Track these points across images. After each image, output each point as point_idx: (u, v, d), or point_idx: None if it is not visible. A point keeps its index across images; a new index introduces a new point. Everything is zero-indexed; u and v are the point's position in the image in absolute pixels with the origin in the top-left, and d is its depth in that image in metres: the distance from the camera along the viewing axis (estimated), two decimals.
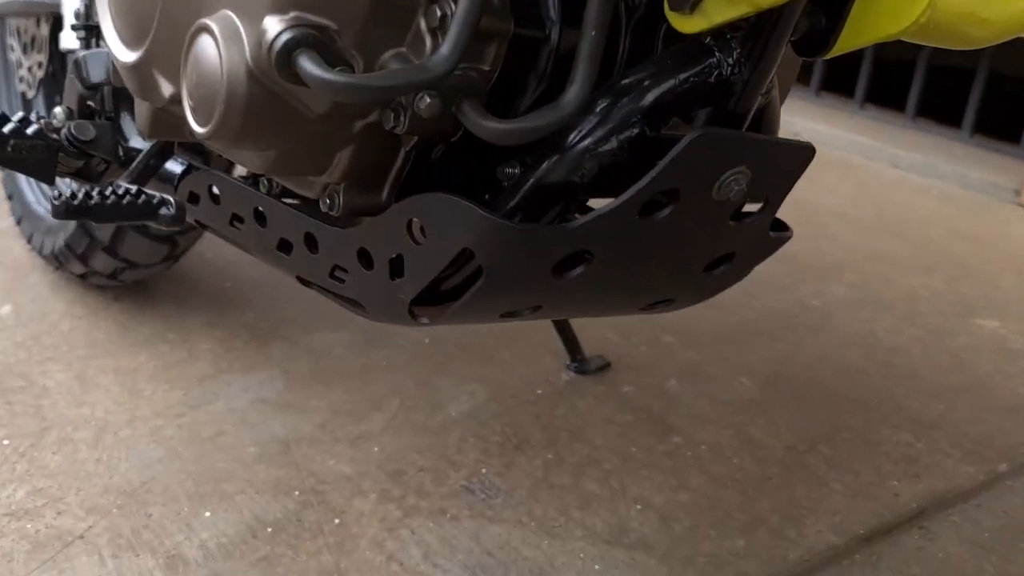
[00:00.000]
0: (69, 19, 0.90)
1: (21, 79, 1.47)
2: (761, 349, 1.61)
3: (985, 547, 1.13)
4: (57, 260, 1.42)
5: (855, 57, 3.52)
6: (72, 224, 1.32)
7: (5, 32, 1.54)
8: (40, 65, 1.39)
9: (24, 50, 1.45)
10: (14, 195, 1.55)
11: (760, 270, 2.02)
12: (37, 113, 0.80)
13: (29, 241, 1.52)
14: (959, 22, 0.60)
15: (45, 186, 1.51)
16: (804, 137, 2.90)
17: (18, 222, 1.55)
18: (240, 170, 0.86)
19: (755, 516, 1.14)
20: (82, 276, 1.43)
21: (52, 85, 1.46)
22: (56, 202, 0.64)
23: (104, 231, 1.27)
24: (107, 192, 0.65)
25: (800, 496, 1.20)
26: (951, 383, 1.57)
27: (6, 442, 1.12)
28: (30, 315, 1.42)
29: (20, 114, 0.74)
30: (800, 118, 3.37)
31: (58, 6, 1.00)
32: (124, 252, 1.31)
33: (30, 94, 1.46)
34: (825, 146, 3.40)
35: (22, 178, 1.53)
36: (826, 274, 2.02)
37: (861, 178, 3.03)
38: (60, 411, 1.19)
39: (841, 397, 1.47)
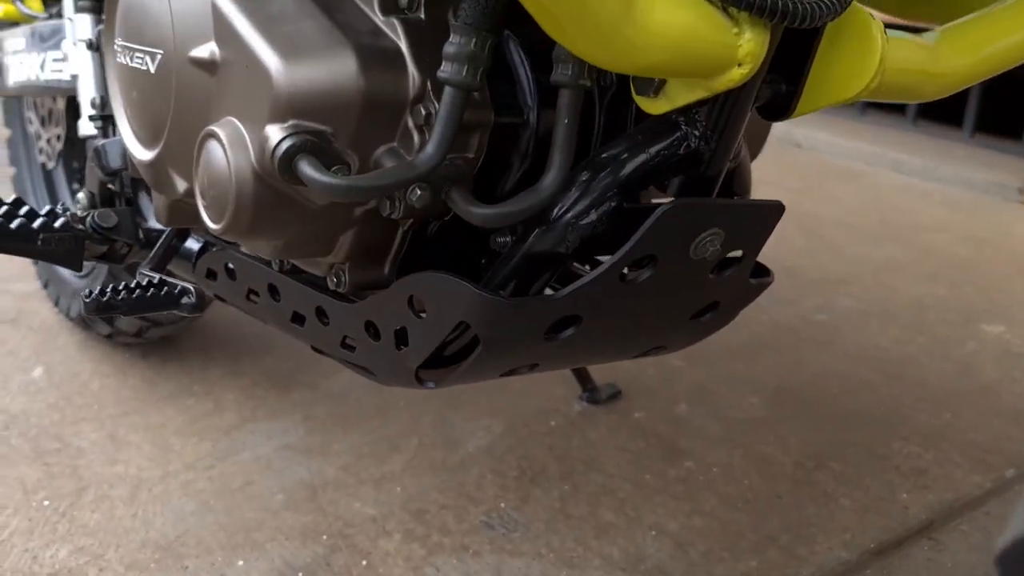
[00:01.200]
0: (86, 108, 0.96)
1: (41, 151, 1.54)
2: (768, 365, 1.64)
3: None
4: (84, 322, 1.48)
5: None
6: (97, 288, 1.38)
7: (23, 106, 1.61)
8: (59, 138, 1.46)
9: (42, 123, 1.51)
10: (40, 261, 1.62)
11: None
12: (62, 205, 0.86)
13: (56, 304, 1.58)
14: (910, 81, 0.64)
15: None
16: (805, 146, 2.94)
17: (45, 286, 1.61)
18: None
19: (766, 536, 1.18)
20: (108, 336, 1.48)
21: (71, 154, 1.53)
22: (87, 301, 0.69)
23: None
24: (132, 287, 0.71)
25: (810, 514, 1.23)
26: (958, 391, 1.60)
27: (46, 503, 1.17)
28: (61, 377, 1.48)
29: (47, 207, 0.80)
30: (801, 127, 3.41)
31: (74, 90, 1.06)
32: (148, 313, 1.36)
33: (50, 165, 1.53)
34: (827, 154, 3.44)
35: None
36: (831, 287, 2.06)
37: (863, 185, 3.06)
38: (96, 470, 1.24)
39: (849, 411, 1.51)
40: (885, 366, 1.68)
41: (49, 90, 1.15)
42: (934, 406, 1.54)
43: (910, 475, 1.34)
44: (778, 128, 3.33)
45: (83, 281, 1.51)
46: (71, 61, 1.00)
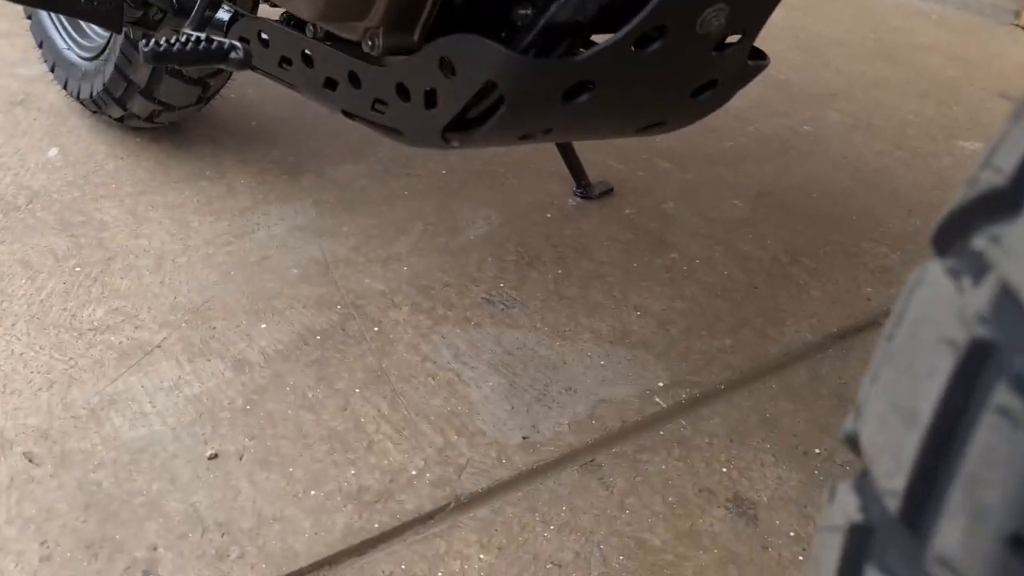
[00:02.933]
0: None
1: None
2: (753, 171, 1.72)
3: None
4: (95, 104, 1.52)
5: None
6: (109, 69, 1.41)
7: None
8: None
9: None
10: (44, 42, 1.63)
11: (755, 97, 2.12)
12: None
13: (65, 87, 1.60)
14: None
15: (75, 32, 1.58)
16: None
17: (52, 69, 1.63)
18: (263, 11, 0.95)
19: (741, 319, 1.30)
20: (120, 119, 1.53)
21: None
22: (146, 49, 0.74)
23: (140, 75, 1.36)
24: (184, 39, 0.76)
25: (782, 302, 1.35)
26: (929, 200, 1.69)
27: (78, 269, 1.26)
28: (76, 156, 1.53)
29: None
30: None
31: None
32: (160, 95, 1.41)
33: None
34: None
35: (51, 25, 1.60)
36: (821, 101, 2.11)
37: (862, 3, 3.04)
38: (121, 242, 1.32)
39: (826, 215, 1.60)
40: (865, 175, 1.76)
41: None
42: (905, 213, 1.63)
43: (876, 272, 1.45)
44: None
45: (90, 64, 1.53)
46: None
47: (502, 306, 1.27)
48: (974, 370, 0.30)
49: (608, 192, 1.57)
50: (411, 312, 1.23)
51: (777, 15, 2.82)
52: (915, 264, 1.50)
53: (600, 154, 1.67)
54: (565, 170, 1.55)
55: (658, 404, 1.12)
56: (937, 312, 0.33)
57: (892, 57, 2.50)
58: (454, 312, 1.24)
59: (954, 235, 0.36)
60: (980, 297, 0.32)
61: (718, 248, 1.46)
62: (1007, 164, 0.33)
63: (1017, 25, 2.85)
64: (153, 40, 0.74)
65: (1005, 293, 0.31)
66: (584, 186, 1.54)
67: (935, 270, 0.35)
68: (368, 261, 1.33)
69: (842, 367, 1.23)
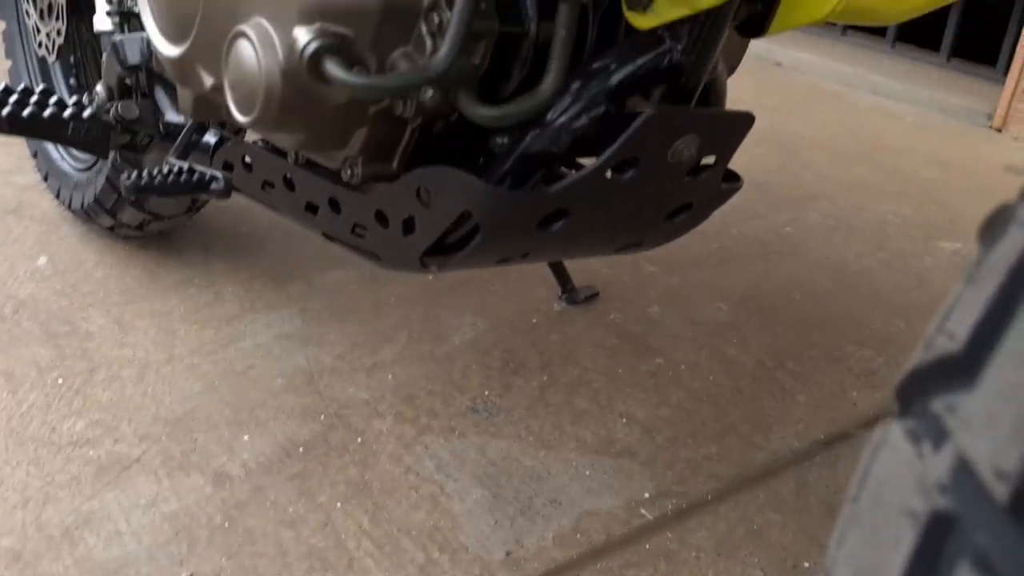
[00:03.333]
0: (101, 4, 1.00)
1: (40, 44, 1.56)
2: (736, 274, 1.74)
3: None
4: (87, 214, 1.54)
5: None
6: (101, 181, 1.44)
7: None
8: (59, 32, 1.49)
9: (41, 16, 1.54)
10: (39, 152, 1.66)
11: (738, 199, 2.17)
12: (89, 96, 0.91)
13: (57, 196, 1.63)
14: (874, 4, 0.71)
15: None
16: (786, 66, 2.99)
17: (45, 178, 1.66)
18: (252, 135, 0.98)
19: (727, 425, 1.29)
20: (110, 228, 1.55)
21: (69, 50, 1.56)
22: (127, 183, 0.76)
23: None
24: (166, 171, 0.77)
25: (768, 407, 1.35)
26: (911, 301, 1.71)
27: (60, 381, 1.25)
28: (65, 265, 1.54)
29: (75, 98, 0.85)
30: (784, 47, 3.44)
31: None
32: (151, 205, 1.43)
33: (50, 59, 1.56)
34: (807, 74, 3.48)
35: None
36: (801, 203, 2.15)
37: (841, 106, 3.13)
38: (105, 352, 1.32)
39: (809, 317, 1.62)
40: (846, 277, 1.78)
41: None
42: (888, 314, 1.65)
43: (862, 376, 1.46)
44: (761, 48, 3.36)
45: (83, 174, 1.56)
46: None
47: (487, 414, 1.26)
48: (936, 545, 0.30)
49: (593, 297, 1.58)
50: (395, 422, 1.23)
51: (758, 118, 2.89)
52: (899, 367, 1.50)
53: (585, 259, 1.69)
54: (550, 275, 1.57)
55: (644, 516, 1.11)
56: (898, 477, 0.33)
57: (871, 159, 2.56)
58: (438, 421, 1.24)
59: (914, 395, 0.36)
60: (940, 465, 0.32)
61: (703, 352, 1.46)
62: (960, 331, 0.33)
63: (991, 127, 2.93)
64: (135, 173, 0.76)
65: (963, 464, 0.31)
66: (569, 291, 1.55)
67: (896, 432, 0.35)
68: (353, 370, 1.33)
69: (830, 475, 1.22)
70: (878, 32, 3.54)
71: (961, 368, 0.32)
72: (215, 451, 1.14)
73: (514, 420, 1.25)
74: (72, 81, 1.63)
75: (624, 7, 0.67)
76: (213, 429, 1.18)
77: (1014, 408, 0.28)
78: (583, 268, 1.66)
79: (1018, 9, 3.12)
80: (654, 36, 0.68)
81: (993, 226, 0.33)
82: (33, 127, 0.81)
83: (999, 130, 2.92)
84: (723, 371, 1.42)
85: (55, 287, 1.47)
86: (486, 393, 1.31)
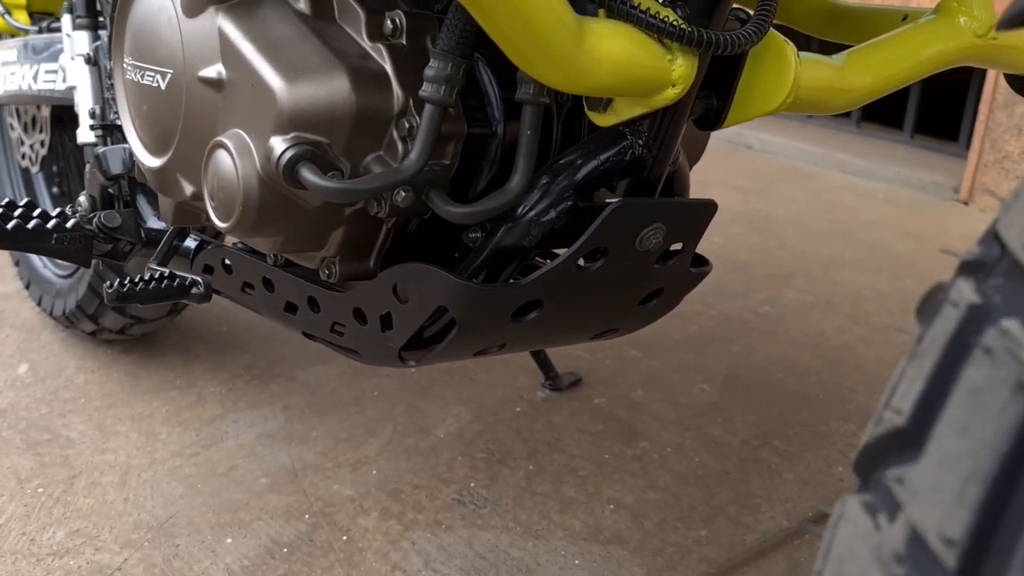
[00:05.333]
0: (85, 118, 1.03)
1: (24, 156, 1.60)
2: (718, 354, 1.76)
3: None
4: (68, 320, 1.54)
5: None
6: (83, 288, 1.45)
7: (3, 113, 1.67)
8: (43, 143, 1.52)
9: (25, 129, 1.58)
10: (21, 261, 1.68)
11: (716, 281, 2.20)
12: (71, 207, 0.93)
13: (39, 303, 1.64)
14: (821, 96, 0.75)
15: None
16: (757, 148, 3.08)
17: (27, 286, 1.67)
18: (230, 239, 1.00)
19: (716, 507, 1.29)
20: (92, 333, 1.55)
21: (52, 160, 1.59)
22: (109, 291, 0.77)
23: None
24: (147, 278, 0.79)
25: (756, 487, 1.34)
26: (891, 375, 1.73)
27: (40, 490, 1.24)
28: (46, 372, 1.54)
29: (58, 209, 0.87)
30: (753, 131, 3.55)
31: (69, 100, 1.13)
32: (132, 310, 1.44)
33: (33, 170, 1.59)
34: (777, 156, 3.58)
35: None
36: (778, 281, 2.18)
37: (812, 186, 3.21)
38: (86, 459, 1.31)
39: (792, 394, 1.63)
40: (827, 352, 1.80)
41: (41, 99, 1.22)
42: (870, 389, 1.66)
43: (846, 451, 1.46)
44: (731, 132, 3.46)
45: (64, 281, 1.57)
46: (69, 74, 1.07)
47: (473, 507, 1.25)
48: None
49: (577, 383, 1.59)
50: (380, 518, 1.22)
51: (732, 199, 2.97)
52: None
53: (564, 346, 1.71)
54: (533, 363, 1.58)
55: None
56: (857, 550, 0.34)
57: (844, 235, 2.61)
58: (424, 515, 1.23)
59: (870, 468, 0.37)
60: (895, 536, 0.33)
61: (688, 434, 1.47)
62: (904, 405, 0.35)
63: (957, 200, 3.01)
64: (117, 281, 0.78)
65: (915, 534, 0.32)
66: (552, 378, 1.56)
67: (853, 505, 0.36)
68: (337, 466, 1.32)
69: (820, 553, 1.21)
70: (843, 114, 3.66)
71: (907, 440, 0.34)
72: (198, 555, 1.13)
73: (501, 511, 1.24)
74: (55, 190, 1.66)
75: (585, 106, 0.70)
76: (196, 533, 1.17)
77: (956, 476, 0.30)
78: (565, 354, 1.67)
79: (975, 85, 3.24)
80: (616, 132, 0.72)
81: (929, 305, 0.35)
82: (16, 239, 0.83)
83: (965, 203, 3.00)
84: (709, 452, 1.42)
85: (35, 395, 1.47)
86: (472, 485, 1.30)
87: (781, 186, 3.13)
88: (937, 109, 3.50)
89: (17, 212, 0.83)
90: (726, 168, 3.23)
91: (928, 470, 0.32)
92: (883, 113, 3.59)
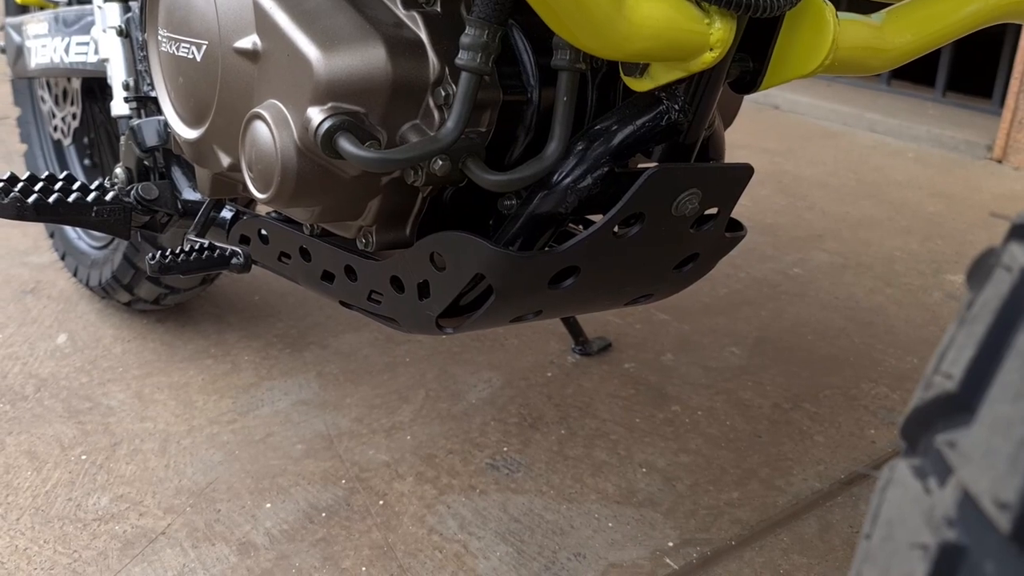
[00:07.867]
0: (119, 90, 1.04)
1: (56, 128, 1.61)
2: (747, 317, 1.75)
3: None
4: (104, 291, 1.57)
5: None
6: (118, 258, 1.47)
7: (35, 86, 1.68)
8: (74, 116, 1.54)
9: (56, 102, 1.59)
10: (56, 233, 1.70)
11: (745, 242, 2.19)
12: (109, 179, 0.94)
13: (75, 274, 1.66)
14: (859, 57, 0.74)
15: None
16: (784, 108, 3.03)
17: (62, 257, 1.70)
18: (262, 208, 1.01)
19: (747, 470, 1.29)
20: (127, 303, 1.57)
21: (84, 132, 1.60)
22: (152, 263, 0.78)
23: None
24: (188, 249, 0.80)
25: (787, 450, 1.35)
26: (924, 337, 1.71)
27: (84, 457, 1.27)
28: (84, 342, 1.57)
29: (97, 182, 0.88)
30: (781, 90, 3.50)
31: (101, 72, 1.14)
32: (167, 279, 1.46)
33: (66, 142, 1.61)
34: (805, 116, 3.53)
35: None
36: (808, 243, 2.17)
37: (841, 145, 3.16)
38: (126, 426, 1.34)
39: (823, 357, 1.62)
40: (857, 314, 1.79)
41: (73, 72, 1.23)
42: (902, 351, 1.65)
43: (878, 413, 1.46)
44: (758, 93, 3.41)
45: (99, 252, 1.59)
46: (101, 46, 1.08)
47: (507, 471, 1.27)
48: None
49: (607, 348, 1.59)
50: (416, 482, 1.23)
51: (760, 160, 2.93)
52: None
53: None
54: (563, 328, 1.59)
55: (669, 565, 1.10)
56: (908, 513, 0.35)
57: (874, 196, 2.58)
58: (459, 480, 1.24)
59: (918, 433, 0.37)
60: (946, 499, 0.33)
61: (719, 398, 1.47)
62: (956, 370, 0.35)
63: (991, 159, 2.96)
64: (159, 253, 0.79)
65: (967, 498, 0.32)
66: (582, 343, 1.57)
67: (903, 470, 0.36)
68: (372, 432, 1.34)
69: (853, 514, 1.22)
70: None
71: (958, 405, 0.34)
72: (238, 520, 1.15)
73: (534, 475, 1.26)
74: (87, 162, 1.68)
75: (621, 72, 0.70)
76: (235, 498, 1.19)
77: (1009, 441, 0.30)
78: (595, 319, 1.67)
79: (1009, 41, 3.17)
80: (652, 97, 0.71)
81: (980, 269, 0.35)
82: (59, 212, 0.84)
83: (999, 161, 2.95)
84: (740, 416, 1.42)
85: (75, 364, 1.50)
86: (505, 449, 1.31)
87: (809, 146, 3.09)
88: (969, 66, 3.43)
89: (58, 186, 0.84)
90: (753, 129, 3.19)
91: (981, 434, 0.32)
92: (914, 70, 3.52)
